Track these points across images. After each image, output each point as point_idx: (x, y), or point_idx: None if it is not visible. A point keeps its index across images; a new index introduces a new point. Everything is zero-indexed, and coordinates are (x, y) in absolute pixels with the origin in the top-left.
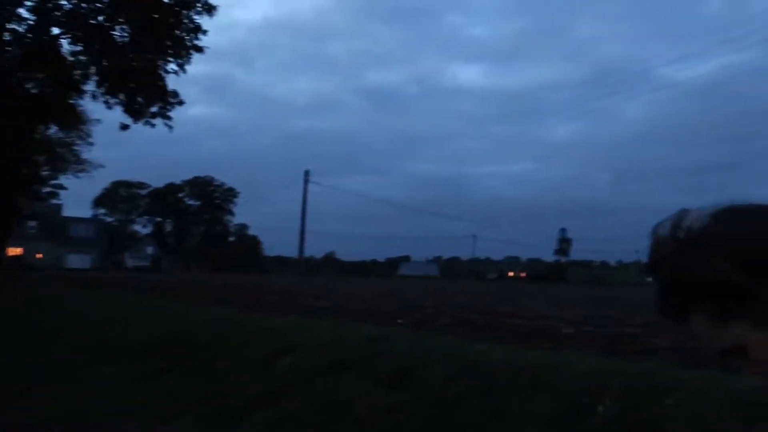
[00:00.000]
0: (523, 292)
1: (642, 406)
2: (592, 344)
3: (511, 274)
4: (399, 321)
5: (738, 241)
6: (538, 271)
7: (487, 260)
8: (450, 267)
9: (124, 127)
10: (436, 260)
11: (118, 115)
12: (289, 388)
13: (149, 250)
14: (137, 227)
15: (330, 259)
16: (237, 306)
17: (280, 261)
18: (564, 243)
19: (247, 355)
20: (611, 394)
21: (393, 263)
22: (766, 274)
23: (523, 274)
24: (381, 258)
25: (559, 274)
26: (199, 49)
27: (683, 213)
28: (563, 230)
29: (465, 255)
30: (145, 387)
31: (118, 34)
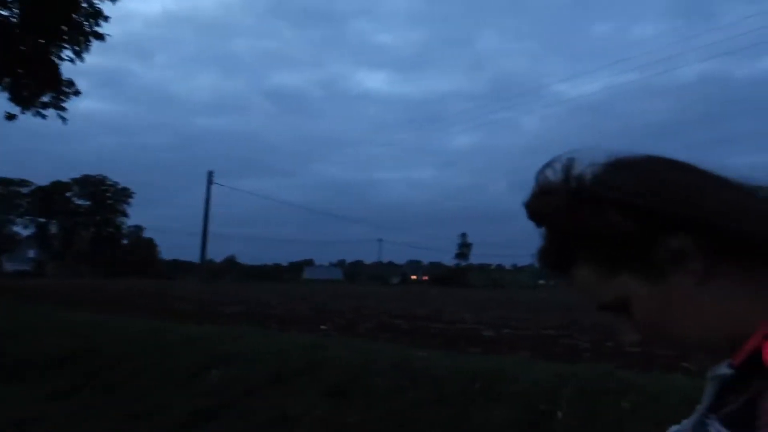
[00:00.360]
0: (432, 296)
1: (599, 409)
2: (518, 347)
3: (413, 277)
4: (322, 327)
5: (631, 191)
6: (440, 275)
7: (390, 264)
8: (353, 271)
9: (10, 117)
10: (340, 264)
11: (3, 103)
12: (226, 404)
13: (31, 253)
14: (17, 228)
15: (231, 263)
16: (147, 314)
17: (177, 265)
18: (464, 247)
19: (173, 369)
20: (567, 400)
21: (296, 267)
22: (657, 225)
23: (425, 278)
24: (284, 262)
25: (460, 278)
26: (100, 37)
27: (572, 159)
28: (463, 235)
29: (368, 259)
30: (55, 407)
31: (6, 13)
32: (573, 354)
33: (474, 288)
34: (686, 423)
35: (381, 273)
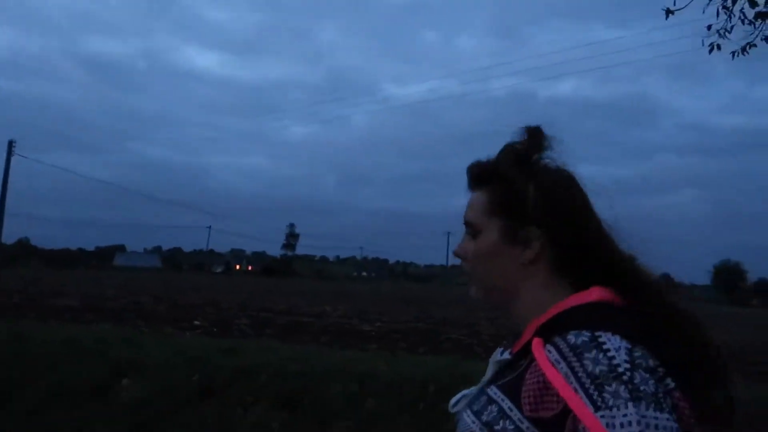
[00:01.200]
0: (272, 288)
1: None
2: (416, 344)
3: (237, 267)
4: (196, 322)
5: (549, 186)
6: (267, 265)
7: (211, 252)
8: (172, 258)
9: None
10: (156, 251)
11: None
12: (142, 426)
13: None
14: None
15: (24, 247)
16: None
17: None
18: (291, 238)
19: (57, 382)
20: None
21: (105, 253)
22: (537, 215)
23: (250, 267)
24: (89, 246)
25: (286, 268)
26: None
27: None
28: (291, 225)
29: (187, 246)
30: None
31: None
32: (464, 349)
33: (301, 278)
34: (473, 389)
35: (202, 261)
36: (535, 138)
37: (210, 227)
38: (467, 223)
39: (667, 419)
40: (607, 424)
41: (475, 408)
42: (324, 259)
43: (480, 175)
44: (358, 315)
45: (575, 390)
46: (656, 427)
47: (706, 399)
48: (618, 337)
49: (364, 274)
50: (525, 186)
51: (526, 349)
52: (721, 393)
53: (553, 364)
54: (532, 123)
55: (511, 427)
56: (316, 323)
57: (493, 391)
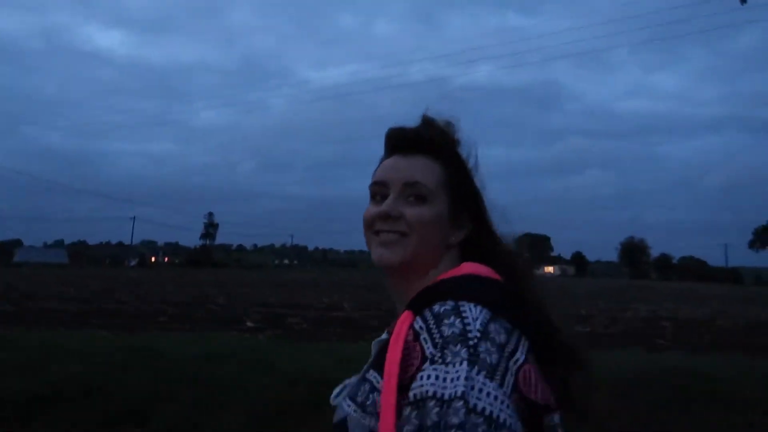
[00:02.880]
0: (219, 281)
1: None
2: None
3: (153, 259)
4: (249, 324)
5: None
6: (189, 256)
7: (120, 245)
8: (79, 253)
9: None
10: (59, 244)
11: None
12: None
13: None
14: None
15: None
16: None
17: None
18: (211, 227)
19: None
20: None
21: (2, 248)
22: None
23: (167, 259)
24: None
25: (208, 258)
26: None
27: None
28: (210, 215)
29: (92, 239)
30: None
31: None
32: None
33: (226, 268)
34: (354, 378)
35: (114, 254)
36: (448, 128)
37: (134, 218)
38: (414, 184)
39: (494, 388)
40: (437, 377)
41: (353, 393)
42: (241, 248)
43: (427, 142)
44: (351, 306)
45: (422, 349)
46: (480, 390)
47: (558, 379)
48: (479, 308)
49: (286, 261)
50: (467, 171)
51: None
52: (578, 378)
53: (416, 332)
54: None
55: (380, 398)
56: (339, 317)
57: (369, 373)
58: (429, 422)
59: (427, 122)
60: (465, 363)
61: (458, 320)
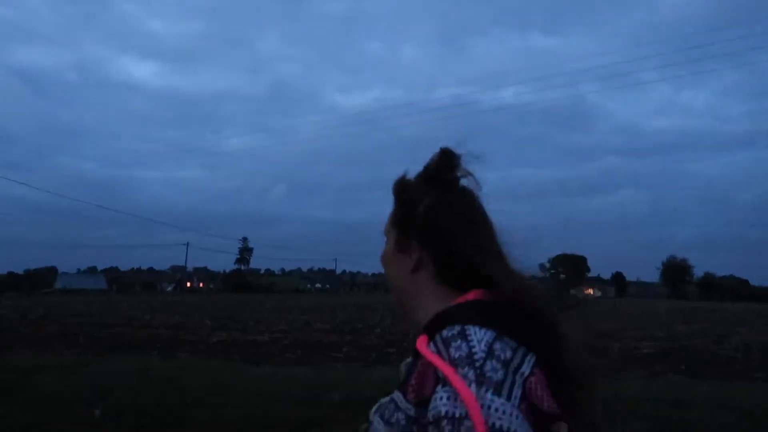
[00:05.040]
0: (283, 306)
1: None
2: None
3: (189, 284)
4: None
5: (433, 209)
6: (234, 281)
7: (151, 270)
8: (113, 279)
9: None
10: (91, 271)
11: None
12: None
13: None
14: None
15: None
16: None
17: None
18: (245, 252)
19: None
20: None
21: (38, 276)
22: (423, 236)
23: (201, 285)
24: (18, 270)
25: (246, 283)
26: None
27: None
28: (245, 239)
29: (124, 266)
30: None
31: None
32: None
33: (271, 293)
34: (385, 399)
35: (147, 280)
36: (445, 159)
37: (188, 244)
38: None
39: (502, 403)
40: (448, 398)
41: (382, 411)
42: (269, 271)
43: (393, 190)
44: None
45: (435, 371)
46: (488, 407)
47: (565, 393)
48: (484, 330)
49: (318, 285)
50: (417, 205)
51: (418, 351)
52: (584, 393)
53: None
54: (449, 144)
55: (403, 416)
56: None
57: (395, 393)
58: None
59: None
60: (473, 385)
61: (464, 343)
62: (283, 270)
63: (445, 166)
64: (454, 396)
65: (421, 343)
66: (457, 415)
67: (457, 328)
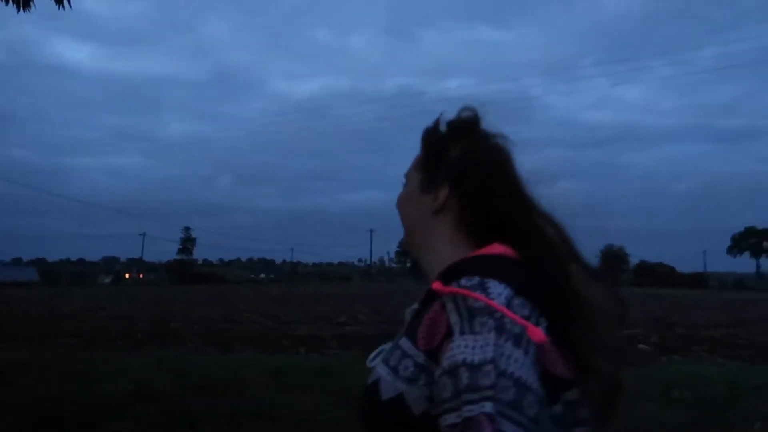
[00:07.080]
0: (222, 296)
1: None
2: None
3: (127, 275)
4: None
5: (475, 152)
6: (181, 271)
7: (81, 261)
8: (46, 271)
9: None
10: (16, 262)
11: None
12: None
13: None
14: None
15: None
16: None
17: None
18: (188, 242)
19: None
20: None
21: None
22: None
23: (141, 275)
24: None
25: (189, 273)
26: None
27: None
28: (188, 229)
29: (51, 256)
30: None
31: None
32: None
33: (224, 284)
34: (389, 344)
35: (78, 271)
36: (476, 113)
37: (144, 234)
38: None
39: (522, 355)
40: (466, 346)
41: (386, 357)
42: (207, 261)
43: (424, 135)
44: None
45: (448, 319)
46: (509, 357)
47: (579, 354)
48: (503, 285)
49: (263, 276)
50: (450, 148)
51: (429, 297)
52: (604, 371)
53: (444, 303)
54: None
55: (411, 363)
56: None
57: (401, 340)
58: (462, 386)
59: (434, 124)
60: (493, 331)
61: (484, 294)
62: (221, 260)
63: (476, 120)
64: (473, 344)
65: (437, 285)
66: (476, 362)
67: (476, 279)
